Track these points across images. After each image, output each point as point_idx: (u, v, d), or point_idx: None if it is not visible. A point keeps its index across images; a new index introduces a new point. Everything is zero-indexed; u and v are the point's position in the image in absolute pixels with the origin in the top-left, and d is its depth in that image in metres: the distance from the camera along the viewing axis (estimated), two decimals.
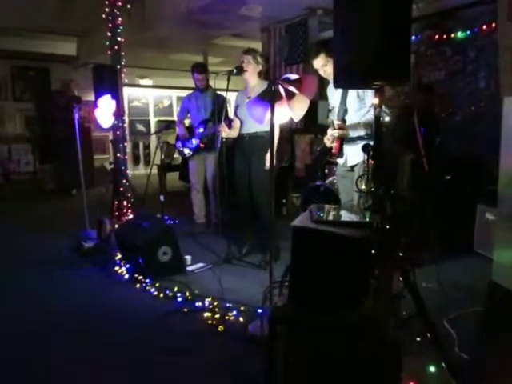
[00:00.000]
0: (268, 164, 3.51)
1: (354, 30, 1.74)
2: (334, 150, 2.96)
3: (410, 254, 1.88)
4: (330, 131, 2.92)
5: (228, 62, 7.98)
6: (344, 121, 2.88)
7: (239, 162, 3.79)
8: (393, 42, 1.67)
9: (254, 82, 3.66)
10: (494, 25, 4.32)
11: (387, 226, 1.69)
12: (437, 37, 4.98)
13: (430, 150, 3.40)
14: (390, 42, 1.67)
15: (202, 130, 4.65)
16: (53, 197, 7.54)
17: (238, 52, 3.77)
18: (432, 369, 1.86)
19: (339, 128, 2.84)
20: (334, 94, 3.04)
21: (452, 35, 4.86)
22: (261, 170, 3.59)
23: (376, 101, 1.89)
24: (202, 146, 4.67)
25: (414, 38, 5.06)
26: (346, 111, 2.90)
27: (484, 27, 4.53)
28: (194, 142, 4.71)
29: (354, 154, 2.89)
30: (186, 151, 4.79)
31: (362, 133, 2.86)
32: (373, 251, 1.63)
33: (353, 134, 2.88)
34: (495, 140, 2.28)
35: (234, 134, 3.81)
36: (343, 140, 2.91)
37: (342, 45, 1.81)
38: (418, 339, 2.02)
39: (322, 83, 5.81)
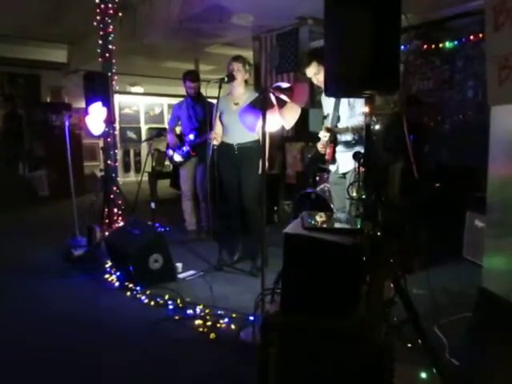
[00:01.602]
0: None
1: (344, 39, 1.76)
2: (327, 157, 3.03)
3: (401, 261, 1.90)
4: (321, 133, 3.01)
5: (219, 70, 7.99)
6: (336, 137, 2.96)
7: (228, 171, 3.76)
8: (382, 51, 1.70)
9: (241, 89, 3.68)
10: (481, 35, 4.40)
11: (378, 233, 1.71)
12: (425, 47, 5.06)
13: (419, 158, 3.44)
14: (379, 52, 1.69)
15: (192, 136, 4.65)
16: (42, 204, 7.47)
17: None
18: (423, 375, 1.87)
19: (327, 130, 2.93)
20: (327, 101, 3.11)
21: (440, 45, 4.94)
22: (251, 179, 3.60)
23: (366, 109, 1.92)
24: (193, 153, 4.68)
25: (403, 47, 5.14)
26: (338, 118, 2.98)
27: (472, 37, 4.61)
28: (185, 148, 4.71)
29: (345, 162, 2.94)
30: (177, 158, 4.79)
31: (349, 137, 2.92)
32: (364, 258, 1.64)
33: (340, 137, 2.94)
34: (483, 148, 2.32)
35: (217, 139, 3.72)
36: (335, 147, 2.98)
37: (332, 54, 1.83)
38: (409, 345, 2.03)
39: (314, 91, 5.86)
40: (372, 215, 1.75)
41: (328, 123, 3.02)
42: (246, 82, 3.72)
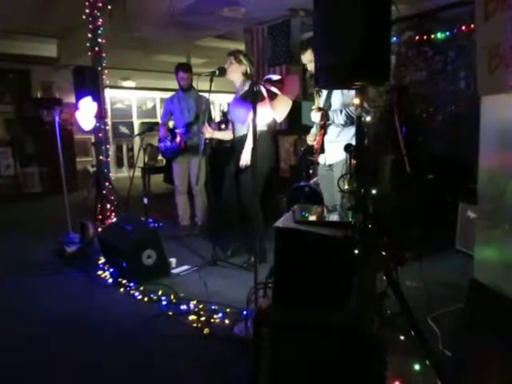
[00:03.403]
0: (243, 163, 3.52)
1: (335, 31, 1.74)
2: (316, 146, 3.03)
3: (392, 253, 1.89)
4: (312, 113, 2.99)
5: (211, 63, 7.94)
6: (327, 115, 2.94)
7: (226, 164, 3.78)
8: (373, 42, 1.68)
9: (239, 82, 3.64)
10: (473, 26, 4.38)
11: (369, 226, 1.70)
12: (417, 38, 5.04)
13: (412, 150, 3.44)
14: (370, 43, 1.67)
15: (180, 130, 4.63)
16: (35, 200, 7.42)
17: (222, 53, 3.76)
18: (416, 367, 1.87)
19: (319, 110, 2.91)
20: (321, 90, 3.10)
21: (432, 36, 4.93)
22: (248, 172, 3.58)
23: (357, 101, 1.90)
24: (183, 146, 4.63)
25: (395, 39, 5.12)
26: (330, 106, 2.97)
27: (463, 28, 4.60)
28: (168, 143, 4.67)
29: (333, 153, 2.94)
30: (165, 144, 4.74)
31: (341, 120, 2.90)
32: (355, 250, 1.63)
33: (332, 118, 2.93)
34: (476, 138, 2.31)
35: (227, 135, 3.81)
36: (325, 135, 2.98)
37: (322, 46, 1.82)
38: (402, 337, 2.03)
39: (306, 84, 5.82)
40: (363, 208, 1.74)
41: (320, 103, 3.02)
42: (245, 74, 3.60)
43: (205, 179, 4.50)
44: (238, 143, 3.66)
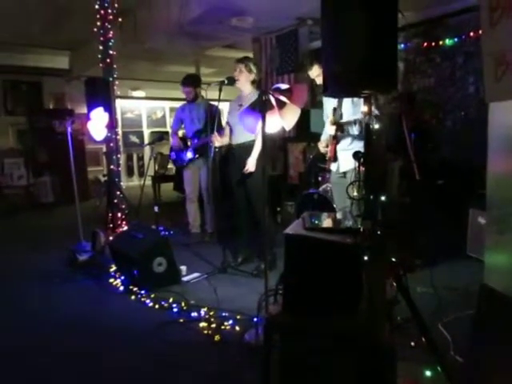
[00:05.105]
0: (250, 168, 3.54)
1: (342, 39, 1.76)
2: (329, 154, 3.03)
3: (401, 259, 1.90)
4: (327, 127, 3.00)
5: (221, 73, 8.01)
6: (342, 128, 2.96)
7: (232, 171, 3.81)
8: (380, 50, 1.70)
9: (247, 90, 3.67)
10: (480, 31, 4.38)
11: (378, 232, 1.70)
12: (425, 44, 5.05)
13: (422, 156, 3.44)
14: (377, 51, 1.69)
15: (196, 141, 4.72)
16: (47, 210, 7.51)
17: (231, 62, 3.80)
18: (427, 373, 1.87)
19: (334, 123, 2.91)
20: (329, 100, 3.11)
21: (440, 42, 4.93)
22: (254, 177, 3.60)
23: (365, 109, 1.92)
24: (196, 157, 4.72)
25: (403, 46, 5.13)
26: (341, 116, 2.98)
27: (471, 34, 4.60)
28: (190, 154, 4.73)
29: (346, 160, 2.94)
30: (189, 155, 4.79)
31: (355, 131, 2.91)
32: (365, 257, 1.64)
33: (346, 130, 2.95)
34: (486, 144, 2.31)
35: (224, 141, 3.84)
36: (337, 144, 2.99)
37: (330, 54, 1.83)
38: (413, 344, 2.03)
39: (314, 92, 5.85)
40: (372, 214, 1.75)
41: (329, 112, 3.04)
42: (253, 82, 3.65)
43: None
44: (237, 150, 3.70)
